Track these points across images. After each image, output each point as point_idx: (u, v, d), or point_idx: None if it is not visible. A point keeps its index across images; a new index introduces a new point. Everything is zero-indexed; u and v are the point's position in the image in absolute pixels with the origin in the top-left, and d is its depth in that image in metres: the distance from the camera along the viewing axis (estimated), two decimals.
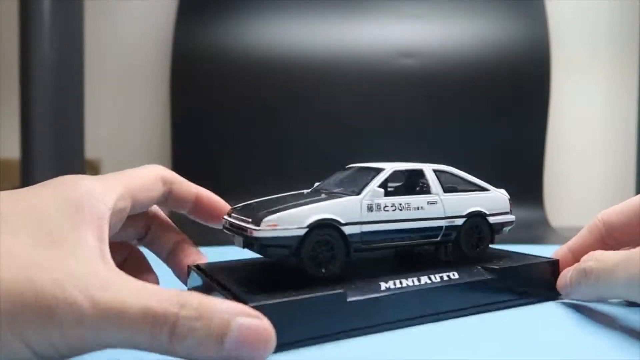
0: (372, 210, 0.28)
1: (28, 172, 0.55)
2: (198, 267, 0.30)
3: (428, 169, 0.33)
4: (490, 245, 0.36)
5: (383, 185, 0.30)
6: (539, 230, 0.71)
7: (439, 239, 0.31)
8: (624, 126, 0.83)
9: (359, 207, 0.28)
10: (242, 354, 0.19)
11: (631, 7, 0.83)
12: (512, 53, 0.77)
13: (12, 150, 0.62)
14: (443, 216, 0.31)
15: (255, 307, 0.21)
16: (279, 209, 0.27)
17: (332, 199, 0.28)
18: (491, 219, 0.33)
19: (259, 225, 0.25)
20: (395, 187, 0.34)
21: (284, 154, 0.77)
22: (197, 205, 0.31)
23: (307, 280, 0.26)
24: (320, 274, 0.27)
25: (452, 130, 0.77)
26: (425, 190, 0.32)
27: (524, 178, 0.76)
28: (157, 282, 0.30)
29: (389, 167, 0.31)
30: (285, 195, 0.31)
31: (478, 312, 0.29)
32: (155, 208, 0.31)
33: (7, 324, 0.17)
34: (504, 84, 0.77)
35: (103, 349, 0.19)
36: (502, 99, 0.77)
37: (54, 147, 0.56)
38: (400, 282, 0.28)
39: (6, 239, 0.19)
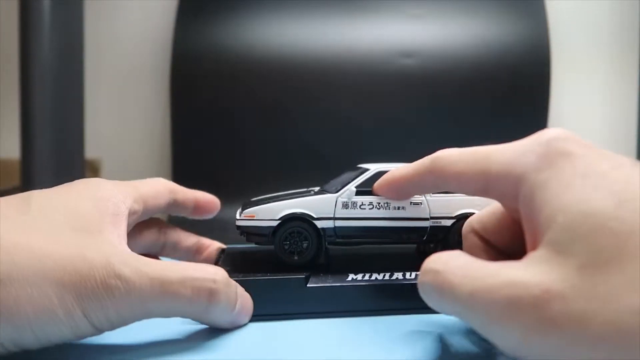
0: (347, 208, 0.31)
1: (28, 172, 0.55)
2: (222, 251, 0.35)
3: None
4: None
5: (368, 184, 0.32)
6: None
7: (424, 238, 0.32)
8: (624, 126, 0.83)
9: (333, 204, 0.31)
10: (240, 318, 0.25)
11: (631, 7, 0.83)
12: (512, 53, 0.77)
13: (12, 150, 0.62)
14: (428, 217, 0.31)
15: (238, 282, 0.26)
16: (261, 202, 0.31)
17: (313, 196, 0.32)
18: None
19: (240, 216, 0.31)
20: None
21: (283, 153, 0.77)
22: (196, 207, 0.34)
23: (290, 267, 0.30)
24: (292, 261, 0.30)
25: (452, 130, 0.77)
26: None
27: None
28: None
29: (373, 168, 0.33)
30: (290, 192, 0.34)
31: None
32: (163, 223, 0.34)
33: (74, 298, 0.20)
34: (504, 83, 0.77)
35: (149, 318, 0.22)
36: (502, 99, 0.77)
37: (54, 147, 0.56)
38: (370, 275, 0.30)
39: (51, 227, 0.22)
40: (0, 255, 0.19)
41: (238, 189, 0.74)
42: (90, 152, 0.68)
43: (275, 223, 0.30)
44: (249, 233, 0.31)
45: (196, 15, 0.78)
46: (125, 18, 0.83)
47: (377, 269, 0.31)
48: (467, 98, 0.77)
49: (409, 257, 0.34)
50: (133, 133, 0.83)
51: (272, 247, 0.31)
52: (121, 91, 0.84)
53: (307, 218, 0.30)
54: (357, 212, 0.31)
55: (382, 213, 0.31)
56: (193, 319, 0.23)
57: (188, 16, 0.78)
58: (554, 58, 0.78)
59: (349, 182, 0.32)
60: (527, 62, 0.78)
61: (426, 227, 0.31)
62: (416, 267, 0.28)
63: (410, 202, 0.31)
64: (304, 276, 0.29)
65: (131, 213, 0.27)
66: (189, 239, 0.34)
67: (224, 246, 0.35)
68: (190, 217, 0.34)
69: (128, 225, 0.26)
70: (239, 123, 0.77)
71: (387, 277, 0.30)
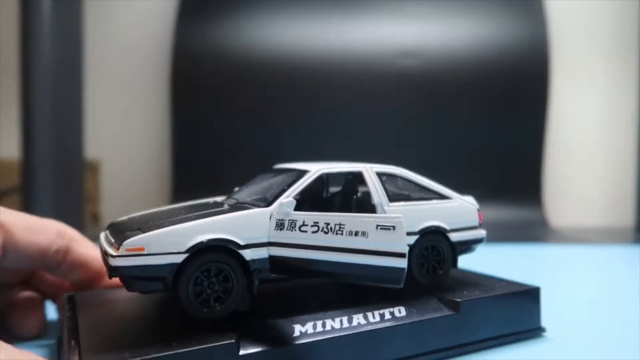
0: (283, 228, 0.20)
1: (28, 172, 0.55)
2: (71, 299, 0.24)
3: (369, 171, 0.25)
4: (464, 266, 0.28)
5: (310, 192, 0.23)
6: (538, 230, 0.71)
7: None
8: (624, 126, 0.83)
9: (266, 223, 0.20)
10: None
11: (631, 7, 0.83)
12: (512, 53, 0.77)
13: (12, 150, 0.62)
14: (404, 252, 0.20)
15: None
16: (151, 226, 0.20)
17: (233, 211, 0.21)
18: (453, 236, 0.25)
19: (118, 250, 0.19)
20: (332, 195, 0.27)
21: (283, 153, 0.76)
22: (97, 273, 0.26)
23: (201, 325, 0.19)
24: (201, 315, 0.19)
25: (452, 130, 0.77)
26: (365, 200, 0.24)
27: (524, 178, 0.76)
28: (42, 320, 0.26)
29: (314, 169, 0.23)
30: (182, 206, 0.24)
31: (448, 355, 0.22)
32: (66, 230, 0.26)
33: None
34: (504, 84, 0.77)
35: None
36: (502, 99, 0.77)
37: (54, 147, 0.56)
38: (324, 325, 0.20)
39: None
40: None
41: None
42: (90, 152, 0.68)
43: (179, 258, 0.19)
44: (134, 277, 0.19)
45: (196, 15, 0.78)
46: (125, 18, 0.83)
47: (328, 311, 0.21)
48: (467, 98, 0.77)
49: (367, 287, 0.23)
50: (133, 133, 0.83)
51: (169, 294, 0.20)
52: (121, 91, 0.83)
53: (231, 246, 0.20)
54: (296, 236, 0.20)
55: (329, 240, 0.19)
56: None
57: (188, 16, 0.78)
58: (554, 58, 0.78)
59: (282, 189, 0.22)
60: (527, 62, 0.78)
61: (402, 269, 0.19)
62: (373, 298, 0.23)
63: (377, 226, 0.19)
64: (233, 341, 0.19)
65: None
66: (91, 256, 0.25)
67: (70, 293, 0.25)
68: (91, 283, 0.26)
69: None
70: (239, 123, 0.77)
71: (345, 323, 0.21)
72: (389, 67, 0.77)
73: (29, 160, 0.55)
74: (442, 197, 0.26)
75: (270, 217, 0.20)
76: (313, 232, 0.20)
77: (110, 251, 0.19)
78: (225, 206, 0.22)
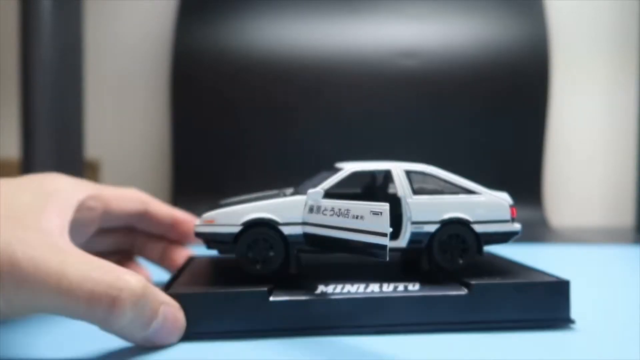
0: (312, 212, 0.27)
1: (28, 172, 0.55)
2: (191, 259, 0.33)
3: (398, 169, 0.29)
4: (502, 253, 0.33)
5: (341, 186, 0.29)
6: (538, 230, 0.71)
7: (405, 246, 0.28)
8: (624, 126, 0.83)
9: (302, 208, 0.28)
10: (160, 337, 0.22)
11: (631, 7, 0.83)
12: (512, 53, 0.77)
13: (12, 150, 0.62)
14: (386, 232, 0.24)
15: (171, 295, 0.23)
16: (222, 205, 0.28)
17: (280, 198, 0.28)
18: (477, 227, 0.29)
19: (201, 221, 0.27)
20: (363, 188, 0.34)
21: (283, 153, 0.77)
22: (174, 226, 0.33)
23: (255, 278, 0.27)
24: (254, 271, 0.27)
25: (452, 130, 0.77)
26: (394, 194, 0.29)
27: (524, 178, 0.77)
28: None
29: (348, 168, 0.29)
30: (258, 195, 0.31)
31: (436, 331, 0.26)
32: (143, 195, 0.33)
33: None
34: (504, 84, 0.77)
35: (46, 313, 0.20)
36: (502, 99, 0.77)
37: (54, 147, 0.56)
38: (343, 287, 0.26)
39: None
40: None
41: (238, 189, 0.73)
42: (90, 152, 0.68)
43: (236, 229, 0.27)
44: (209, 240, 0.27)
45: (196, 15, 0.78)
46: (125, 18, 0.83)
47: (351, 280, 0.27)
48: (467, 98, 0.77)
49: (389, 266, 0.31)
50: (133, 133, 0.83)
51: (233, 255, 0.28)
52: (121, 91, 0.83)
53: (272, 224, 0.27)
54: (320, 218, 0.27)
55: (339, 222, 0.25)
56: (99, 327, 0.21)
57: (188, 16, 0.78)
58: (554, 58, 0.78)
59: (316, 184, 0.29)
60: (527, 62, 0.78)
61: (384, 245, 0.24)
62: (396, 277, 0.28)
63: (371, 212, 0.24)
64: (265, 289, 0.25)
65: (85, 207, 0.26)
66: (163, 212, 0.33)
67: (193, 254, 0.33)
68: (168, 237, 0.33)
69: (85, 219, 0.27)
70: (239, 123, 0.77)
71: (361, 289, 0.26)
72: (389, 67, 0.77)
73: (29, 160, 0.55)
74: (469, 192, 0.30)
75: (305, 204, 0.27)
76: (330, 215, 0.26)
77: (196, 223, 0.28)
78: (282, 194, 0.29)
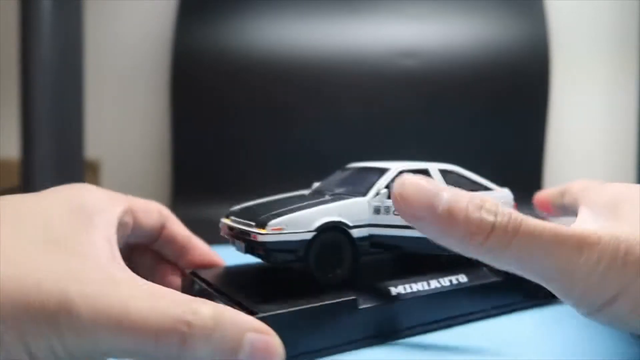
0: (379, 213, 0.27)
1: (28, 172, 0.55)
2: (195, 274, 0.29)
3: (434, 168, 0.31)
4: None
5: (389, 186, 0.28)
6: None
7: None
8: (624, 126, 0.83)
9: (366, 209, 0.27)
10: None
11: (631, 8, 0.83)
12: (512, 53, 0.77)
13: (12, 150, 0.62)
14: None
15: (264, 318, 0.20)
16: (283, 211, 0.26)
17: (338, 200, 0.27)
18: None
19: (264, 229, 0.25)
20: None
21: (283, 153, 0.77)
22: (190, 250, 0.30)
23: (310, 286, 0.25)
24: (326, 279, 0.26)
25: (452, 130, 0.77)
26: None
27: (524, 178, 0.76)
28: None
29: (394, 167, 0.30)
30: (286, 197, 0.30)
31: (488, 317, 0.29)
32: (163, 209, 0.31)
33: (12, 327, 0.16)
34: (504, 84, 0.77)
35: (106, 358, 0.18)
36: (502, 99, 0.77)
37: (54, 147, 0.56)
38: (410, 287, 0.27)
39: (11, 239, 0.18)
40: None
41: (238, 188, 0.74)
42: (90, 152, 0.68)
43: (309, 235, 0.25)
44: (275, 250, 0.25)
45: (196, 15, 0.78)
46: (125, 18, 0.83)
47: (405, 278, 0.28)
48: (467, 98, 0.77)
49: (419, 262, 0.31)
50: (133, 133, 0.83)
51: (273, 264, 0.27)
52: (121, 91, 0.83)
53: (343, 227, 0.26)
54: (391, 219, 0.27)
55: None
56: None
57: (188, 16, 0.78)
58: (554, 58, 0.78)
59: (372, 183, 0.28)
60: (527, 62, 0.78)
61: None
62: (433, 271, 0.29)
63: None
64: (354, 297, 0.24)
65: (121, 224, 0.24)
66: (180, 232, 0.30)
67: (190, 270, 0.30)
68: (179, 262, 0.30)
69: (118, 238, 0.23)
70: (239, 123, 0.77)
71: (426, 286, 0.27)
72: (389, 67, 0.77)
73: (29, 160, 0.55)
74: (486, 188, 0.33)
75: (368, 204, 0.27)
76: None
77: (255, 230, 0.25)
78: (327, 197, 0.29)
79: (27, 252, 0.18)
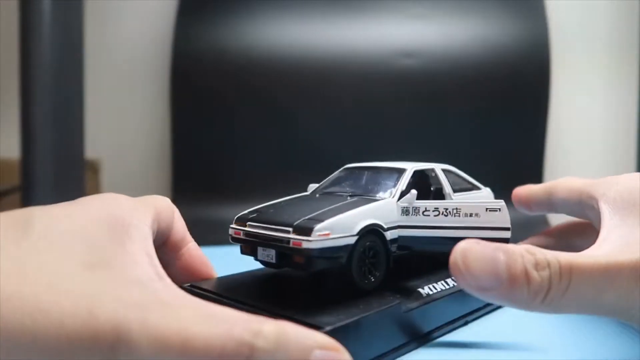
0: (407, 214, 0.27)
1: (28, 172, 0.55)
2: (194, 287, 0.27)
3: (438, 168, 0.32)
4: None
5: (410, 186, 0.28)
6: (538, 230, 0.71)
7: None
8: (624, 126, 0.83)
9: (396, 210, 0.26)
10: None
11: (631, 8, 0.83)
12: (512, 53, 0.77)
13: (12, 150, 0.62)
14: (509, 226, 0.27)
15: (331, 332, 0.19)
16: (321, 215, 0.24)
17: (366, 203, 0.26)
18: None
19: (309, 235, 0.23)
20: (411, 186, 0.33)
21: (283, 153, 0.77)
22: (184, 254, 0.27)
23: (334, 292, 0.24)
24: (367, 285, 0.25)
25: (452, 130, 0.77)
26: (439, 191, 0.30)
27: (524, 178, 0.76)
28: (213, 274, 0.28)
29: (409, 167, 0.29)
30: (298, 198, 0.29)
31: (494, 310, 0.30)
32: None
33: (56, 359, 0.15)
34: (504, 84, 0.77)
35: None
36: (502, 99, 0.77)
37: (54, 147, 0.56)
38: (435, 287, 0.27)
39: (56, 261, 0.17)
40: None
41: (238, 188, 0.74)
42: (90, 152, 0.68)
43: (353, 240, 0.24)
44: (320, 257, 0.23)
45: (196, 15, 0.78)
46: (125, 18, 0.83)
47: (426, 278, 0.27)
48: (467, 98, 0.77)
49: (427, 261, 0.31)
50: (133, 133, 0.83)
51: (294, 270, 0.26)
52: (121, 91, 0.83)
53: (379, 229, 0.25)
54: (421, 219, 0.26)
55: (451, 221, 0.26)
56: None
57: (188, 16, 0.78)
58: (554, 58, 0.78)
59: (394, 183, 0.28)
60: (527, 62, 0.78)
61: (507, 239, 0.26)
62: (429, 270, 0.29)
63: (487, 209, 0.26)
64: (399, 302, 0.24)
65: (153, 234, 0.22)
66: (180, 230, 0.27)
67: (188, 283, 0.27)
68: (172, 266, 0.27)
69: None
70: (239, 123, 0.77)
71: (445, 285, 0.27)
72: (389, 67, 0.77)
73: (29, 160, 0.55)
74: (476, 187, 0.34)
75: (397, 206, 0.27)
76: (435, 215, 0.27)
77: (299, 237, 0.23)
78: (348, 198, 0.28)
79: (71, 277, 0.17)
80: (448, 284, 0.28)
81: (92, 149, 0.70)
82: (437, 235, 0.26)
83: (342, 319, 0.21)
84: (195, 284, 0.27)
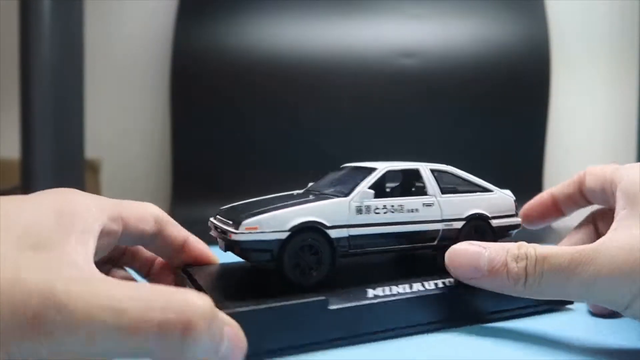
0: (361, 213, 0.27)
1: (28, 172, 0.55)
2: (184, 270, 0.28)
3: (425, 168, 0.31)
4: None
5: (376, 186, 0.28)
6: (538, 230, 0.71)
7: (435, 243, 0.29)
8: (624, 126, 0.83)
9: (346, 209, 0.27)
10: None
11: (631, 8, 0.83)
12: (512, 53, 0.77)
13: (12, 150, 0.62)
14: (440, 219, 0.29)
15: (230, 314, 0.20)
16: (260, 211, 0.25)
17: (319, 200, 0.27)
18: (494, 222, 0.31)
19: (238, 229, 0.25)
20: (392, 188, 0.33)
21: (283, 153, 0.77)
22: (185, 251, 0.29)
23: (293, 286, 0.25)
24: (302, 281, 0.25)
25: (452, 130, 0.77)
26: (421, 191, 0.30)
27: (524, 178, 0.76)
28: None
29: (381, 167, 0.29)
30: (274, 197, 0.30)
31: (478, 322, 0.28)
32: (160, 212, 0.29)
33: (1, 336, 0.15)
34: (504, 83, 0.77)
35: (103, 359, 0.17)
36: (502, 99, 0.77)
37: (54, 147, 0.56)
38: (390, 289, 0.26)
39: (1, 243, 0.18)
40: None
41: (238, 189, 0.74)
42: (90, 152, 0.68)
43: (283, 235, 0.25)
44: (249, 250, 0.25)
45: (196, 15, 0.78)
46: (125, 18, 0.83)
47: (388, 280, 0.27)
48: (467, 98, 0.77)
49: (406, 263, 0.32)
50: (133, 133, 0.83)
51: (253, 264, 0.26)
52: (121, 91, 0.83)
53: (320, 227, 0.26)
54: (371, 218, 0.27)
55: (396, 217, 0.27)
56: None
57: (188, 16, 0.78)
58: (554, 58, 0.78)
59: (356, 183, 0.28)
60: (527, 62, 0.78)
61: (439, 230, 0.29)
62: (421, 273, 0.28)
63: (423, 204, 0.28)
64: (324, 298, 0.24)
65: (105, 232, 0.23)
66: (176, 234, 0.28)
67: (182, 265, 0.29)
68: (175, 260, 0.29)
69: (103, 245, 0.23)
70: (239, 123, 0.77)
71: (407, 289, 0.26)
72: (389, 67, 0.77)
73: (29, 160, 0.55)
74: (484, 189, 0.32)
75: (349, 205, 0.27)
76: (384, 213, 0.27)
77: (231, 229, 0.25)
78: (311, 197, 0.28)
79: (5, 251, 0.17)
80: (411, 288, 0.26)
81: (92, 149, 0.70)
82: (383, 232, 0.27)
83: (246, 306, 0.22)
84: (185, 267, 0.29)
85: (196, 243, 0.30)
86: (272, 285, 0.26)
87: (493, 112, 0.77)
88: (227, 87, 0.77)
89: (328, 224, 0.26)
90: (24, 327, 0.15)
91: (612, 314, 0.28)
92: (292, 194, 0.30)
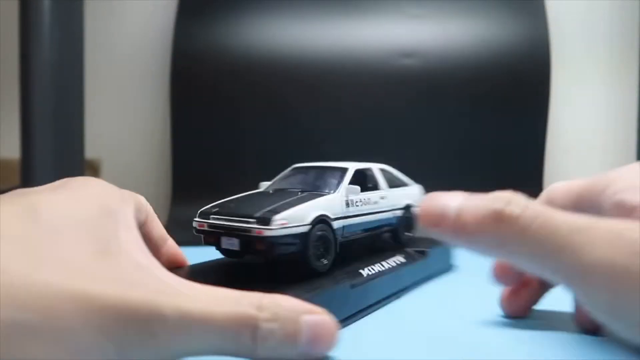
0: (349, 206, 0.32)
1: (28, 172, 0.55)
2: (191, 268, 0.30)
3: (376, 168, 0.38)
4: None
5: (351, 183, 0.33)
6: None
7: (390, 227, 0.37)
8: (624, 126, 0.83)
9: (340, 204, 0.31)
10: (316, 350, 0.19)
11: (631, 8, 0.83)
12: (512, 53, 0.77)
13: (12, 150, 0.62)
14: (391, 208, 0.37)
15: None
16: (279, 207, 0.28)
17: (313, 197, 0.31)
18: (415, 210, 0.39)
19: (268, 225, 0.27)
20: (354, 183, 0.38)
21: (283, 153, 0.77)
22: (163, 252, 0.29)
23: (290, 275, 0.28)
24: (321, 267, 0.29)
25: (452, 130, 0.77)
26: (375, 187, 0.37)
27: (524, 178, 0.76)
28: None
29: (351, 167, 0.35)
30: (252, 195, 0.34)
31: (418, 285, 0.37)
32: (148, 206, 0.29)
33: (115, 348, 0.16)
34: (504, 83, 0.77)
35: (191, 357, 0.19)
36: (502, 99, 0.77)
37: (54, 147, 0.56)
38: (372, 269, 0.32)
39: (69, 248, 0.17)
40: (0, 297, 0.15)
41: (238, 189, 0.73)
42: (90, 152, 0.68)
43: (306, 228, 0.28)
44: (279, 243, 0.27)
45: (196, 15, 0.78)
46: (125, 18, 0.83)
47: (366, 261, 0.33)
48: (467, 98, 0.77)
49: (377, 249, 0.38)
50: (133, 133, 0.83)
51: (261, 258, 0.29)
52: (121, 91, 0.84)
53: (328, 220, 0.30)
54: (356, 210, 0.32)
55: (369, 208, 0.34)
56: (246, 358, 0.19)
57: (188, 16, 0.78)
58: (554, 58, 0.78)
59: (338, 181, 0.33)
60: (527, 62, 0.78)
61: (390, 217, 0.37)
62: (387, 253, 0.36)
63: (380, 197, 0.36)
64: (347, 280, 0.29)
65: (138, 224, 0.23)
66: (157, 232, 0.28)
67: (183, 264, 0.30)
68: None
69: None
70: (239, 123, 0.77)
71: (382, 267, 0.33)
72: (389, 67, 0.77)
73: (29, 160, 0.55)
74: (405, 184, 0.40)
75: (341, 200, 0.32)
76: (361, 205, 0.33)
77: (257, 226, 0.27)
78: (300, 194, 0.32)
79: (87, 264, 0.17)
80: (383, 266, 0.33)
81: (92, 149, 0.70)
82: (369, 220, 0.34)
83: (307, 292, 0.25)
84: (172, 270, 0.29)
85: (174, 244, 0.30)
86: (246, 279, 0.28)
87: (493, 112, 0.77)
88: (227, 87, 0.77)
89: (332, 217, 0.30)
90: (137, 335, 0.17)
91: (597, 329, 0.26)
92: (266, 192, 0.34)
